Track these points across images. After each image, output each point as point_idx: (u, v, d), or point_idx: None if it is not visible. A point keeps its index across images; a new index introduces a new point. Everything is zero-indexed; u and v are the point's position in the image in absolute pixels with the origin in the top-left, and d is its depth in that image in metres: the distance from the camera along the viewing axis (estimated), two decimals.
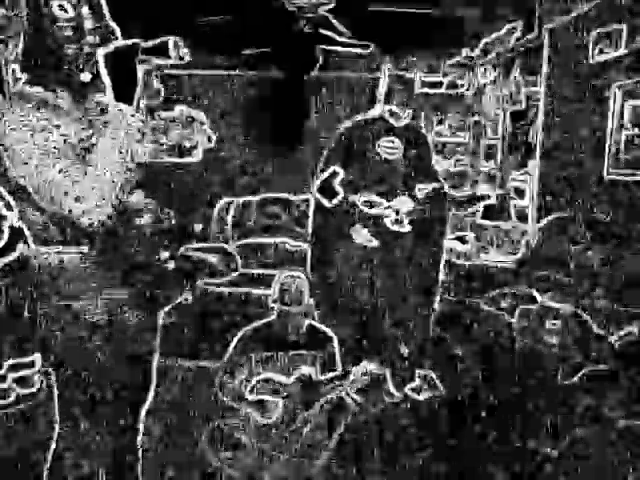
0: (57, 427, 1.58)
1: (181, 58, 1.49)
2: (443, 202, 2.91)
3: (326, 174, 2.82)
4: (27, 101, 1.41)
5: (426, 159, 2.96)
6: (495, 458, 2.27)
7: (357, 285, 2.88)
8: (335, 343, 2.44)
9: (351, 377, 2.31)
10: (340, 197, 2.79)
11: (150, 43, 1.43)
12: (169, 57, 1.45)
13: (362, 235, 2.80)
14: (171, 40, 1.46)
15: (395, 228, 2.79)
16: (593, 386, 2.34)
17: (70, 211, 1.35)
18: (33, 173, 1.34)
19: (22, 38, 1.45)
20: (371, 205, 2.78)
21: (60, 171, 1.34)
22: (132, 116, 1.39)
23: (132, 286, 1.53)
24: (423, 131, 3.14)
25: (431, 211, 2.84)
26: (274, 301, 2.42)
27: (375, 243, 2.82)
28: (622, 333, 2.48)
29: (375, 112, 2.90)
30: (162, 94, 4.66)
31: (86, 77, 1.43)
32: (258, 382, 2.25)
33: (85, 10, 1.42)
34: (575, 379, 2.41)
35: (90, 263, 1.45)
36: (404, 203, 2.78)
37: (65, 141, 1.38)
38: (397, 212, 2.76)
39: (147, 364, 1.69)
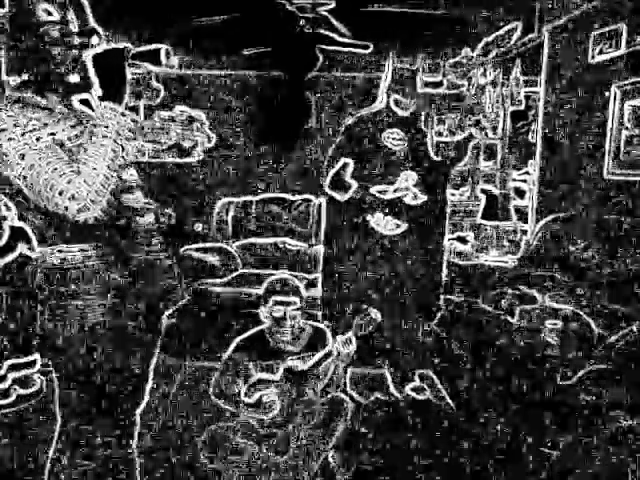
0: (58, 426, 1.59)
1: (172, 67, 1.53)
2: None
3: (336, 167, 2.80)
4: (17, 102, 1.44)
5: (423, 154, 2.96)
6: (495, 458, 2.27)
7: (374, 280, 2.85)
8: (330, 343, 2.41)
9: (335, 350, 2.26)
10: (353, 190, 2.77)
11: (142, 49, 1.47)
12: (160, 64, 1.49)
13: (385, 222, 2.77)
14: (163, 48, 1.50)
15: (415, 202, 2.77)
16: (593, 386, 2.34)
17: (66, 208, 1.38)
18: (27, 173, 1.37)
19: (7, 41, 1.47)
20: (384, 191, 2.78)
21: (54, 170, 1.37)
22: (123, 115, 1.42)
23: (133, 285, 1.53)
24: (423, 127, 3.15)
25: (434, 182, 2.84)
26: (266, 318, 2.34)
27: (404, 227, 2.80)
28: (622, 333, 2.48)
29: (379, 104, 2.91)
30: (162, 94, 4.66)
31: (75, 78, 1.46)
32: (251, 387, 2.23)
33: (71, 13, 1.47)
34: (575, 379, 2.41)
35: (93, 262, 1.47)
36: (410, 176, 2.78)
37: (54, 140, 1.40)
38: (407, 188, 2.76)
39: (144, 366, 1.69)
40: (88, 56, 1.41)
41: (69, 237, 1.45)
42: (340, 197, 2.80)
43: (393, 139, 2.84)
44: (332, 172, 2.81)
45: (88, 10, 1.51)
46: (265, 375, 2.24)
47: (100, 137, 1.40)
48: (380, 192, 2.77)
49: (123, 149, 1.42)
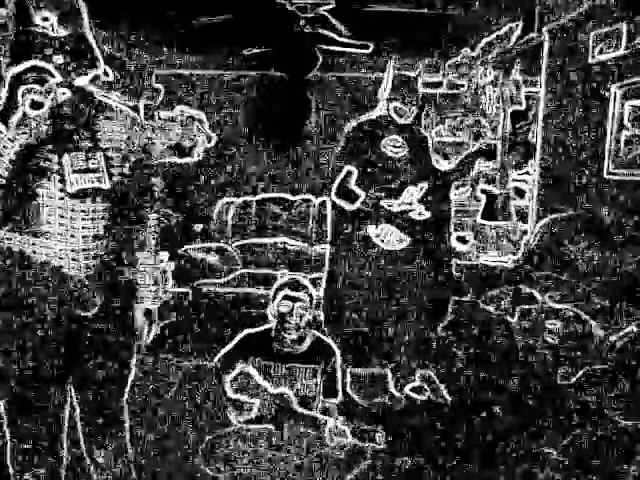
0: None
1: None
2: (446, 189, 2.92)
3: (341, 175, 2.77)
4: None
5: (426, 159, 2.94)
6: (495, 458, 2.27)
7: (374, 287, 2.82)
8: (338, 358, 2.39)
9: (326, 431, 2.27)
10: (361, 199, 2.73)
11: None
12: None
13: (392, 234, 2.73)
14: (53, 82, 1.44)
15: (420, 217, 2.75)
16: (593, 386, 2.34)
17: None
18: None
19: (10, 40, 1.50)
20: (391, 204, 2.75)
21: None
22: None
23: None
24: (424, 132, 3.13)
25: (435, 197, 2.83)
26: (273, 315, 2.36)
27: (408, 240, 2.76)
28: (622, 333, 2.48)
29: (379, 111, 2.89)
30: (162, 94, 4.66)
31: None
32: (237, 377, 2.22)
33: (61, 29, 1.48)
34: (575, 379, 2.41)
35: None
36: (415, 192, 2.75)
37: None
38: (410, 203, 2.73)
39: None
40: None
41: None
42: (348, 207, 2.75)
43: (393, 146, 2.81)
44: (337, 181, 2.77)
45: (88, 34, 1.53)
46: (258, 379, 2.22)
47: None
48: (390, 205, 2.74)
49: None
